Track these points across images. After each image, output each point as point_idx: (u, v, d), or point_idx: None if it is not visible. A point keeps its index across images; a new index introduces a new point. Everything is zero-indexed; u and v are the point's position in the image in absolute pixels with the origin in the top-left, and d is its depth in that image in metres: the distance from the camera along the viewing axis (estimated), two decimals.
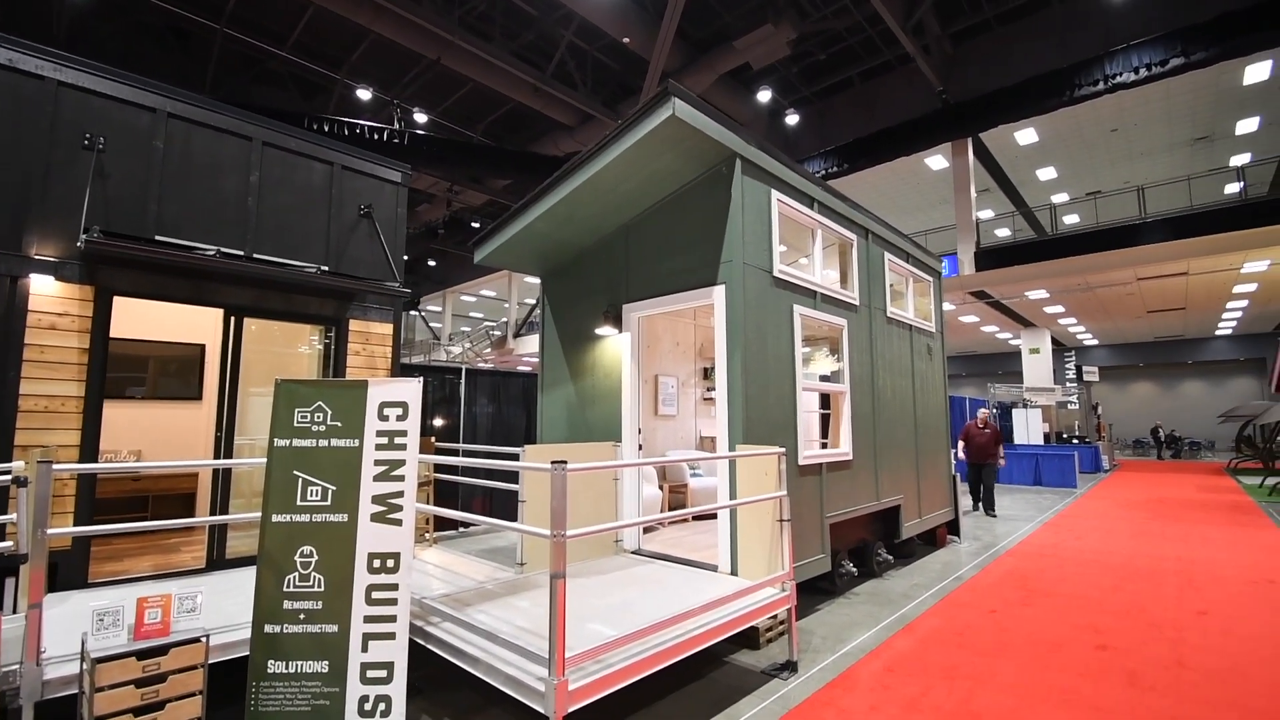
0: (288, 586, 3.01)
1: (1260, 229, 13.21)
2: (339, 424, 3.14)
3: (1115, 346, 31.20)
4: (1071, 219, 20.82)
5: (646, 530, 5.70)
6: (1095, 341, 30.53)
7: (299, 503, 3.07)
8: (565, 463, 2.57)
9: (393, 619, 2.99)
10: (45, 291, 4.02)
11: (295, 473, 3.09)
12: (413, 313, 34.56)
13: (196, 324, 6.56)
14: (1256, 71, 14.05)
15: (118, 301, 4.56)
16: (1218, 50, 12.69)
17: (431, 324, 34.88)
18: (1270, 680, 3.59)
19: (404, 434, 3.13)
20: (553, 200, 4.96)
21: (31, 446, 3.88)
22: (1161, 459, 24.72)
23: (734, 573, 4.30)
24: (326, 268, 4.92)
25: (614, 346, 5.51)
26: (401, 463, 3.10)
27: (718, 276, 4.62)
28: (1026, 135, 17.62)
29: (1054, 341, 25.81)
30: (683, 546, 5.25)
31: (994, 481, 10.14)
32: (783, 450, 4.01)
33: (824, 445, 5.86)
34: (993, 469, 10.06)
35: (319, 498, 3.08)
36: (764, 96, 18.78)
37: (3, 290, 3.88)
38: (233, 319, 4.78)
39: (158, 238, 4.43)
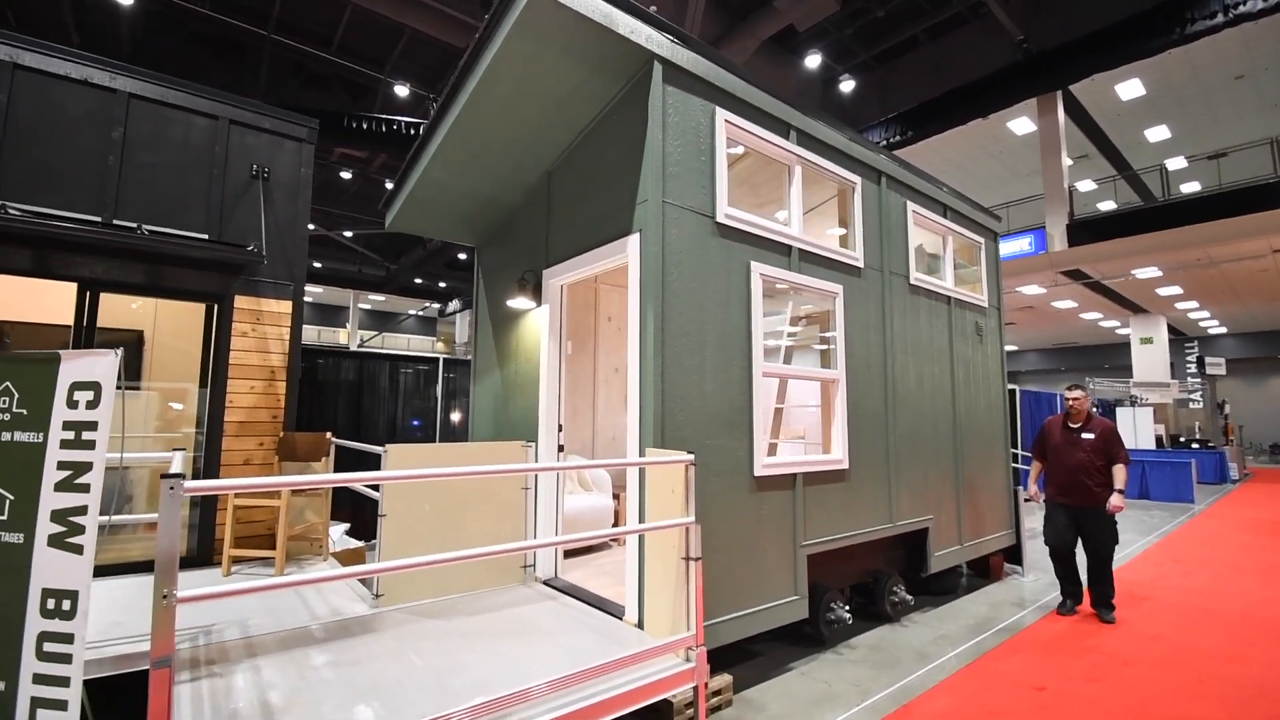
0: None
1: None
2: (24, 411, 2.30)
3: (1247, 335, 26.48)
4: (1191, 186, 17.61)
5: (582, 552, 4.63)
6: (1223, 329, 26.05)
7: None
8: (182, 476, 1.57)
9: (65, 682, 2.11)
10: None
11: None
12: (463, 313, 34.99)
13: (142, 311, 6.18)
14: None
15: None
16: None
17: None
18: None
19: (94, 426, 2.25)
20: (438, 139, 3.99)
21: None
22: None
23: (641, 624, 3.15)
24: (148, 228, 4.15)
25: (535, 324, 4.47)
26: (88, 466, 2.22)
27: (632, 224, 3.47)
28: (1130, 88, 14.91)
29: (1172, 330, 22.15)
30: (616, 575, 4.14)
31: (1111, 544, 4.68)
32: (689, 457, 2.82)
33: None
34: (1106, 521, 4.65)
35: None
36: (813, 62, 17.05)
37: None
38: (88, 294, 4.15)
39: (10, 205, 3.85)
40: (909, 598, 4.75)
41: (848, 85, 17.93)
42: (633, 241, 3.42)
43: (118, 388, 2.25)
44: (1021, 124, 16.61)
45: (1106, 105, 15.83)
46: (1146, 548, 7.60)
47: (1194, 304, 20.52)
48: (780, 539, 3.75)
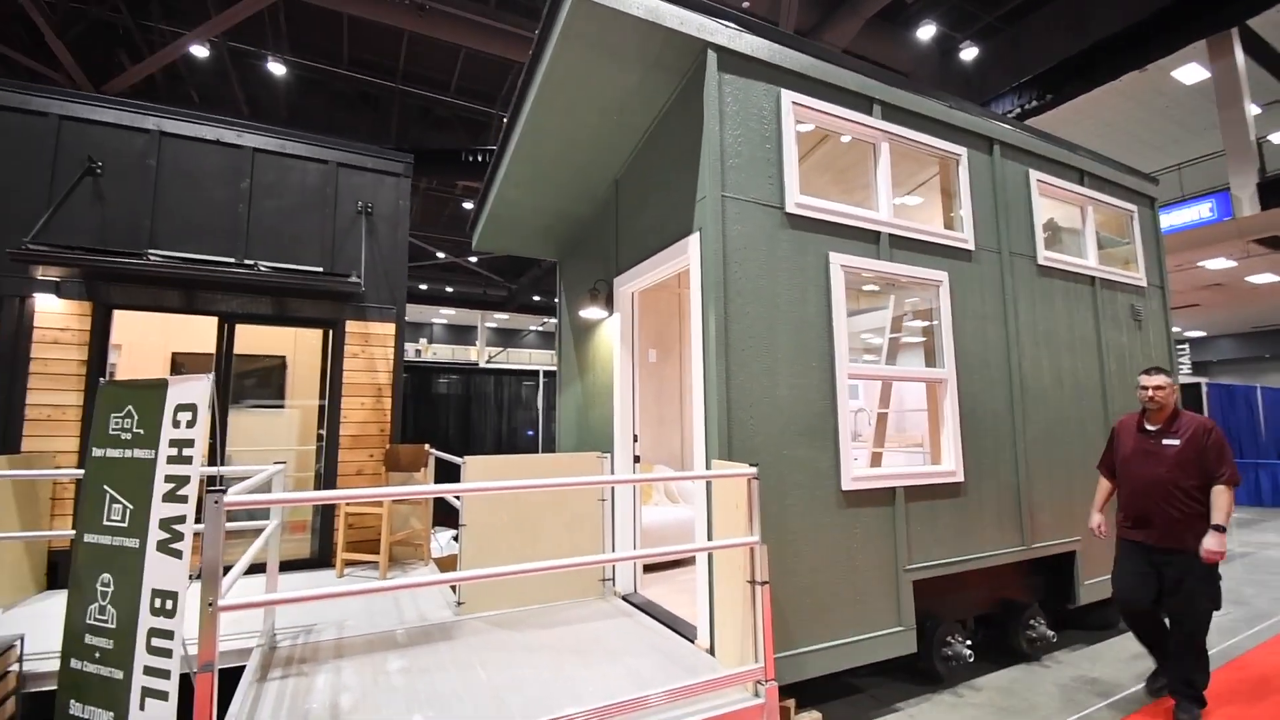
0: (90, 618, 2.55)
1: None
2: (142, 431, 2.62)
3: None
4: None
5: (666, 566, 4.47)
6: None
7: (104, 522, 2.61)
8: (224, 490, 1.65)
9: (166, 675, 2.35)
10: (48, 308, 4.26)
11: (105, 487, 2.64)
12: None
13: (285, 339, 6.99)
14: None
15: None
16: None
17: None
18: None
19: (192, 443, 2.50)
20: (507, 159, 4.08)
21: (35, 453, 4.11)
22: None
23: (712, 650, 2.92)
24: (265, 264, 4.62)
25: (609, 333, 4.41)
26: (187, 479, 2.46)
27: (692, 223, 3.29)
28: None
29: None
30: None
31: (1203, 610, 3.08)
32: (752, 471, 2.57)
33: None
34: (1198, 572, 3.07)
35: (120, 518, 2.58)
36: (927, 33, 15.68)
37: (12, 310, 4.19)
38: (226, 326, 4.74)
39: (150, 252, 4.52)
40: (1050, 633, 4.04)
41: (970, 53, 16.29)
42: (693, 241, 3.24)
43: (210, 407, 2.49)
44: (1190, 71, 14.04)
45: None
46: None
47: None
48: (878, 562, 3.34)
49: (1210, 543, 3.02)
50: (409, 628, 3.31)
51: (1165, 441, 3.26)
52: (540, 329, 39.70)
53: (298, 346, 7.17)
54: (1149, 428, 3.36)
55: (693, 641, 3.08)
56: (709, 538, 2.99)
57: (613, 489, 4.03)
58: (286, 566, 4.35)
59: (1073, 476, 4.37)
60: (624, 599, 3.85)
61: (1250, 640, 4.30)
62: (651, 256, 3.74)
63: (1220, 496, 3.08)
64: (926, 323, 4.21)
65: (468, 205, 22.99)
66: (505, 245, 5.19)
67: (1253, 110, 12.84)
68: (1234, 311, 22.55)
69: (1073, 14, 14.82)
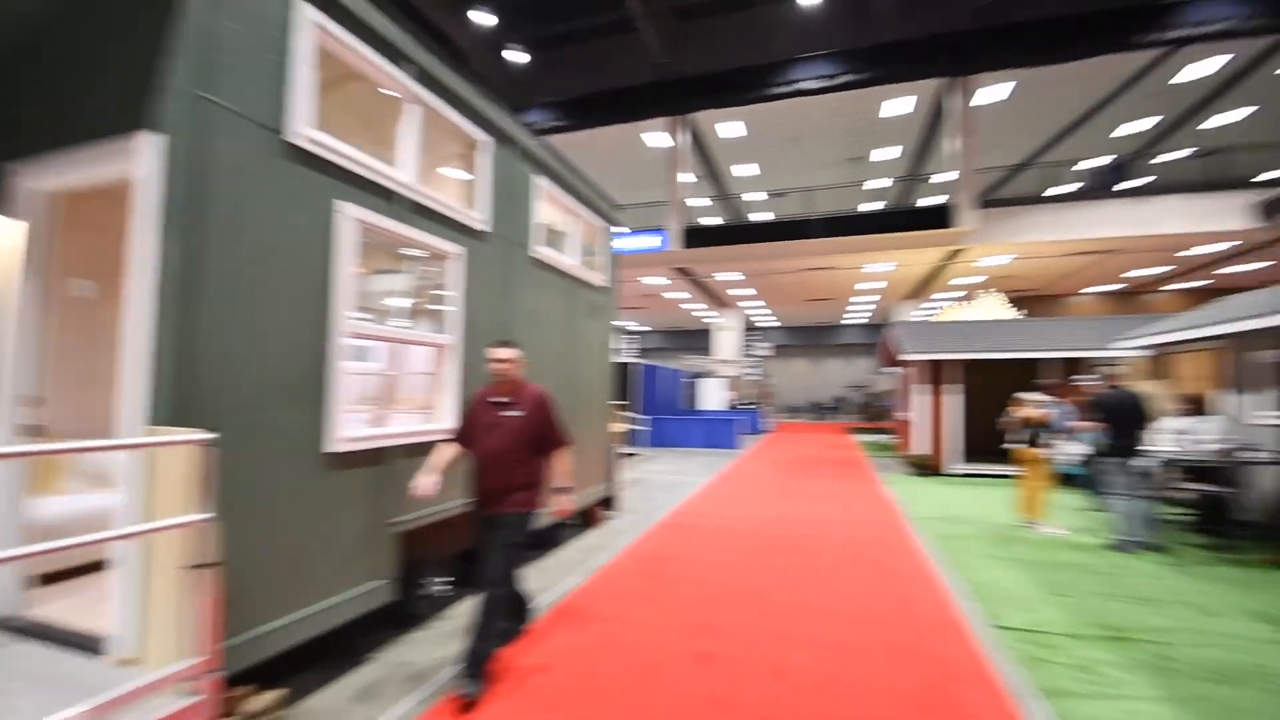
0: None
1: (877, 235, 16.10)
2: None
3: (789, 329, 37.35)
4: (769, 216, 23.27)
5: (78, 573, 3.39)
6: (779, 323, 36.02)
7: None
8: None
9: None
10: None
11: None
12: None
13: None
14: (894, 106, 16.78)
15: None
16: (872, 75, 14.84)
17: None
18: (861, 687, 3.15)
19: None
20: None
21: None
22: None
23: (138, 657, 2.37)
24: None
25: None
26: None
27: (154, 118, 2.53)
28: (732, 128, 18.48)
29: (750, 323, 29.40)
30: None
31: (503, 572, 3.16)
32: (205, 437, 2.20)
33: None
34: (508, 533, 3.15)
35: None
36: (483, 20, 16.41)
37: None
38: None
39: None
40: None
41: (520, 57, 17.87)
42: (150, 142, 2.49)
43: None
44: (657, 137, 18.98)
45: (715, 141, 19.43)
46: (705, 484, 9.75)
47: (763, 304, 27.54)
48: (363, 521, 3.36)
49: (565, 503, 3.48)
50: None
51: (508, 413, 3.24)
52: None
53: None
54: (495, 400, 3.29)
55: (98, 654, 2.41)
56: (144, 523, 2.39)
57: None
58: None
59: None
60: None
61: (626, 538, 6.29)
62: (89, 146, 2.69)
63: (562, 461, 3.40)
64: (444, 291, 4.45)
65: None
66: None
67: (689, 177, 18.50)
68: (662, 315, 32.54)
69: (599, 60, 18.04)
